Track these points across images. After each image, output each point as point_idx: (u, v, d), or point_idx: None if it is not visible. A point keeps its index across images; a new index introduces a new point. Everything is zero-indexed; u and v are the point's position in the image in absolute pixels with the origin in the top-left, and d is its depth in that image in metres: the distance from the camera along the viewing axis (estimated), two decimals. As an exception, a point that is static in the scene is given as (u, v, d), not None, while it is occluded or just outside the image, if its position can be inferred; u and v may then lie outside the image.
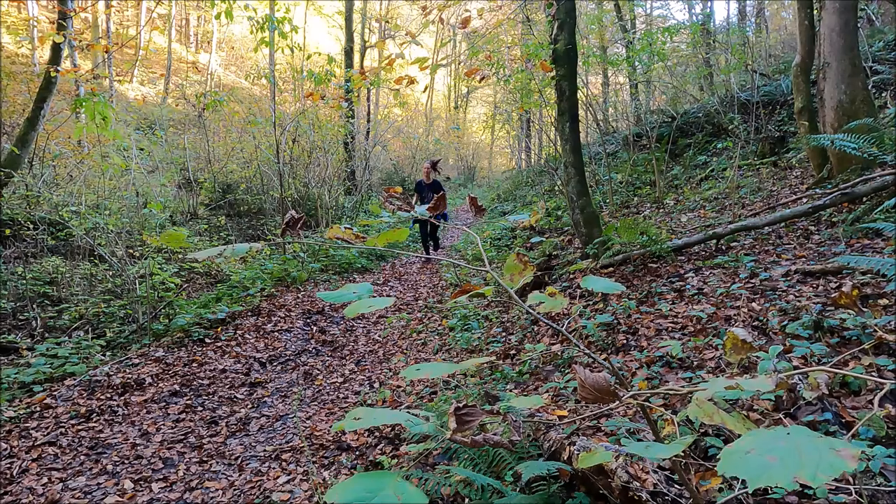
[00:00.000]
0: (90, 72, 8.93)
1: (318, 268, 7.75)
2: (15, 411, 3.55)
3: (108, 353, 4.82)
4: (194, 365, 4.51)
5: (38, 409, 3.63)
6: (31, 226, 7.02)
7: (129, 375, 4.15)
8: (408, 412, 1.38)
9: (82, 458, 3.13)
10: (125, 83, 20.55)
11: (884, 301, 2.96)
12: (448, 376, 3.60)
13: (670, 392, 1.16)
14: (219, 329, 5.30)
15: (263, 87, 20.32)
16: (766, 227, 4.63)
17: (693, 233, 5.19)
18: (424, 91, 19.15)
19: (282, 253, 7.98)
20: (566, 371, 3.32)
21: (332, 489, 0.81)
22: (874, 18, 10.41)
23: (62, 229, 7.04)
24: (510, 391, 3.26)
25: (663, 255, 4.66)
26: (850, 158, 4.77)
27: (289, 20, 6.51)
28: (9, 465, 2.98)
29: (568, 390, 2.99)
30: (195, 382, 4.21)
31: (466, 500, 2.13)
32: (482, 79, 6.13)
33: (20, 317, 5.42)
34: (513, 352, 3.95)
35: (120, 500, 2.73)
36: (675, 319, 3.56)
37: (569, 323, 3.95)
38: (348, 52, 15.22)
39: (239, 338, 5.16)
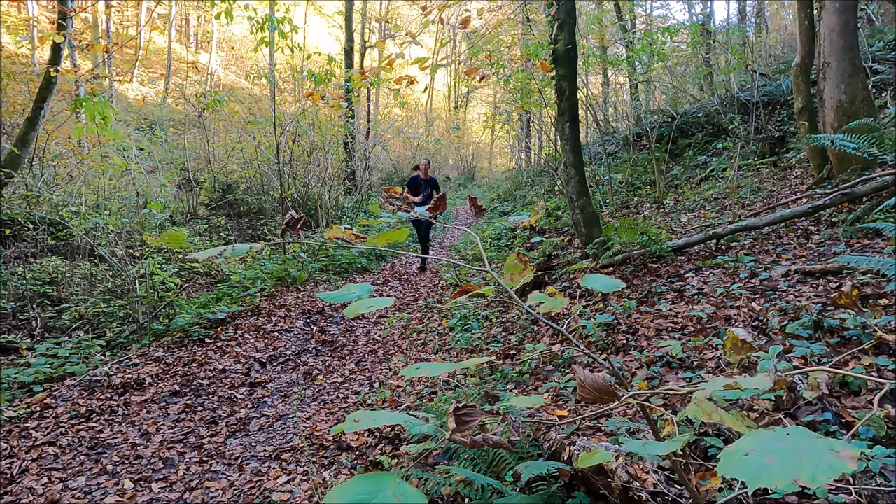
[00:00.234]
0: (90, 72, 8.93)
1: (318, 268, 7.75)
2: (15, 411, 3.55)
3: (108, 353, 4.82)
4: (194, 365, 4.51)
5: (38, 409, 3.63)
6: (31, 226, 7.02)
7: (129, 375, 4.15)
8: (408, 412, 1.38)
9: (82, 458, 3.13)
10: (125, 83, 20.55)
11: (884, 301, 2.96)
12: (448, 376, 3.60)
13: (670, 392, 1.16)
14: (219, 329, 5.30)
15: (263, 87, 20.33)
16: (766, 227, 4.63)
17: (693, 233, 5.19)
18: (424, 91, 19.15)
19: (282, 253, 7.98)
20: (566, 371, 3.32)
21: (332, 491, 0.81)
22: (874, 18, 10.41)
23: (62, 229, 7.04)
24: (510, 391, 3.26)
25: (663, 255, 4.66)
26: (850, 158, 4.77)
27: (289, 20, 6.51)
28: (9, 465, 2.98)
29: (568, 390, 2.99)
30: (195, 382, 4.21)
31: (466, 500, 2.13)
32: (482, 78, 6.13)
33: (20, 317, 5.42)
34: (513, 352, 3.95)
35: (120, 500, 2.73)
36: (675, 319, 3.56)
37: (569, 323, 3.95)
38: (348, 52, 15.23)
39: (239, 338, 5.16)
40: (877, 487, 1.65)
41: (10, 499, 2.71)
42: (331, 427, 3.37)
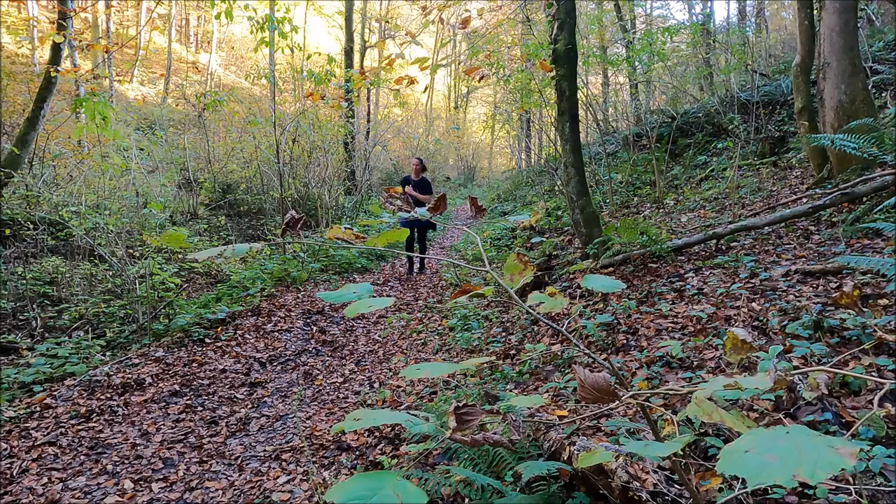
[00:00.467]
0: (90, 72, 8.93)
1: (318, 268, 7.75)
2: (15, 411, 3.55)
3: (108, 353, 4.82)
4: (194, 365, 4.51)
5: (38, 409, 3.63)
6: (31, 226, 7.02)
7: (129, 375, 4.15)
8: (408, 412, 1.38)
9: (82, 458, 3.13)
10: (125, 83, 20.56)
11: (884, 301, 2.96)
12: (448, 376, 3.60)
13: (670, 392, 1.17)
14: (219, 329, 5.30)
15: (263, 87, 20.33)
16: (766, 227, 4.63)
17: (693, 233, 5.19)
18: (424, 91, 19.15)
19: (282, 253, 7.98)
20: (566, 371, 3.32)
21: (332, 489, 0.81)
22: (874, 18, 10.42)
23: (62, 229, 7.04)
24: (510, 391, 3.26)
25: (663, 255, 4.67)
26: (850, 158, 4.77)
27: (289, 20, 6.51)
28: (9, 465, 2.98)
29: (568, 390, 3.00)
30: (195, 382, 4.21)
31: (466, 500, 2.13)
32: (482, 78, 6.12)
33: (20, 317, 5.42)
34: (513, 352, 3.95)
35: (120, 500, 2.73)
36: (675, 319, 3.56)
37: (569, 323, 3.95)
38: (348, 52, 15.23)
39: (239, 338, 5.16)
40: (877, 487, 1.65)
41: (10, 499, 2.71)
42: (331, 427, 3.37)
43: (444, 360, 4.33)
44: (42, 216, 7.07)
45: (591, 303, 4.32)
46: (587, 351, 1.28)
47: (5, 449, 3.13)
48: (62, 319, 5.48)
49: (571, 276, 5.16)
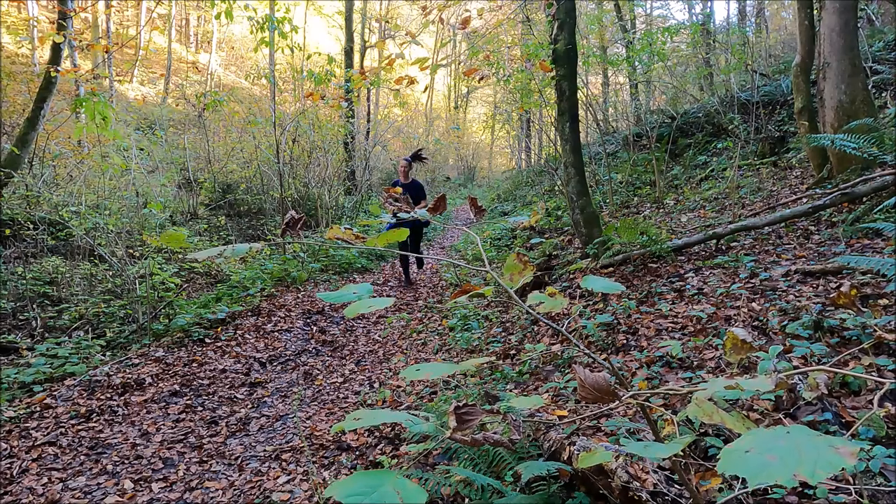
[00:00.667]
0: (90, 72, 8.93)
1: (318, 268, 7.75)
2: (15, 411, 3.55)
3: (108, 353, 4.82)
4: (194, 365, 4.51)
5: (38, 409, 3.63)
6: (31, 226, 7.02)
7: (129, 375, 4.15)
8: (408, 412, 1.38)
9: (82, 458, 3.13)
10: (125, 83, 20.56)
11: (884, 301, 2.96)
12: (448, 376, 3.60)
13: (670, 392, 1.17)
14: (219, 329, 5.30)
15: (263, 87, 20.33)
16: (766, 227, 4.63)
17: (693, 233, 5.19)
18: (424, 91, 19.16)
19: (282, 253, 7.98)
20: (566, 371, 3.32)
21: (333, 486, 0.81)
22: (874, 18, 10.42)
23: (62, 229, 7.04)
24: (510, 391, 3.26)
25: (663, 255, 4.67)
26: (850, 158, 4.77)
27: (289, 20, 6.51)
28: (9, 465, 2.98)
29: (568, 390, 2.99)
30: (195, 382, 4.21)
31: (466, 500, 2.13)
32: (482, 78, 6.12)
33: (20, 317, 5.42)
34: (513, 352, 3.95)
35: (120, 500, 2.73)
36: (675, 319, 3.56)
37: (569, 323, 3.95)
38: (348, 52, 15.23)
39: (239, 338, 5.16)
40: (877, 487, 1.65)
41: (10, 499, 2.71)
42: (331, 427, 3.37)
43: (444, 360, 4.33)
44: (42, 216, 7.07)
45: (591, 303, 4.32)
46: (587, 351, 1.28)
47: (5, 449, 3.13)
48: (62, 319, 5.48)
49: (571, 276, 5.16)
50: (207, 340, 5.05)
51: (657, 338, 3.36)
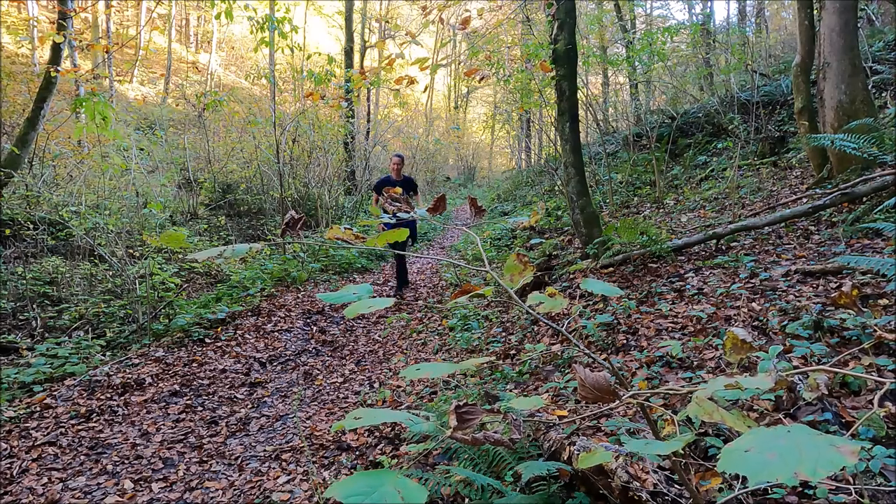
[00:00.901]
0: (90, 72, 8.93)
1: (318, 268, 7.75)
2: (15, 411, 3.55)
3: (108, 353, 4.82)
4: (194, 365, 4.51)
5: (38, 409, 3.63)
6: (31, 226, 7.02)
7: (129, 375, 4.15)
8: (408, 412, 1.38)
9: (82, 458, 3.13)
10: (125, 83, 20.56)
11: (884, 301, 2.96)
12: (448, 376, 3.60)
13: (670, 392, 1.17)
14: (219, 329, 5.30)
15: (263, 87, 20.33)
16: (766, 227, 4.63)
17: (693, 233, 5.19)
18: (424, 91, 19.15)
19: (282, 253, 7.98)
20: (566, 371, 3.32)
21: (333, 486, 0.81)
22: (874, 18, 10.42)
23: (62, 229, 7.04)
24: (510, 391, 3.26)
25: (663, 255, 4.67)
26: (850, 158, 4.77)
27: (289, 20, 6.51)
28: (9, 465, 2.98)
29: (568, 390, 2.99)
30: (195, 382, 4.21)
31: (466, 500, 2.13)
32: (482, 79, 6.12)
33: (20, 317, 5.42)
34: (513, 352, 3.95)
35: (120, 500, 2.73)
36: (675, 319, 3.56)
37: (569, 323, 3.95)
38: (348, 52, 15.23)
39: (239, 338, 5.16)
40: (877, 487, 1.65)
41: (10, 499, 2.70)
42: (331, 427, 3.37)
43: (444, 360, 4.33)
44: (42, 216, 7.07)
45: (591, 303, 4.32)
46: (587, 351, 1.28)
47: (5, 449, 3.13)
48: (62, 319, 5.48)
49: (571, 276, 5.16)
50: (207, 340, 5.05)
51: (657, 338, 3.36)
